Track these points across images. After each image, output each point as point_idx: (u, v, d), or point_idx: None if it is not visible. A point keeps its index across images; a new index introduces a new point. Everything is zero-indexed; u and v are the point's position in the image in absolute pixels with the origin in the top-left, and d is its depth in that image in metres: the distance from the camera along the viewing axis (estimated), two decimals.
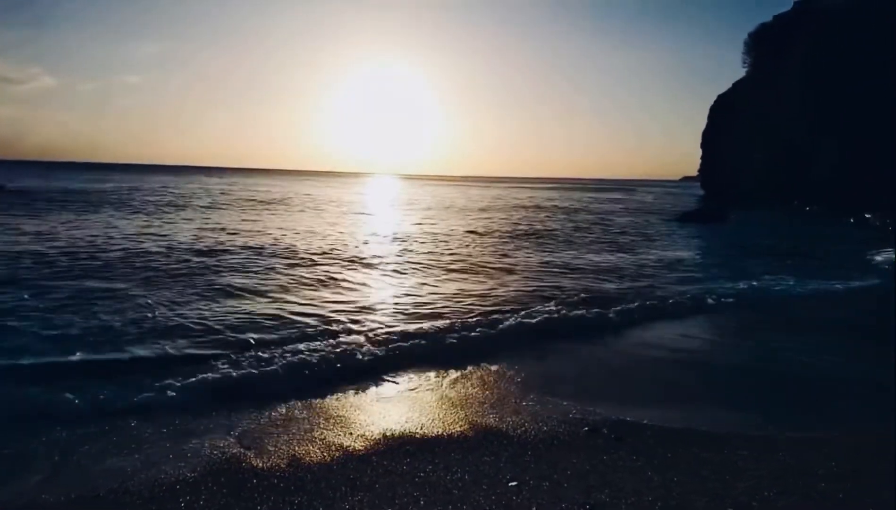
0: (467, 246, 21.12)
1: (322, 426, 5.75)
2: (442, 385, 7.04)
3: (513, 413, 6.09)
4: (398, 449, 5.23)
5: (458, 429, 5.71)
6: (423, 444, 5.34)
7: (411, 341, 8.37)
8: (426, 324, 9.39)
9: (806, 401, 6.71)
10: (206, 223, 25.03)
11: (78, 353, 7.39)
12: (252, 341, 8.21)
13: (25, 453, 5.05)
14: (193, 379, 6.56)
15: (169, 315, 9.44)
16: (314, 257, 16.44)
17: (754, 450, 5.17)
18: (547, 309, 10.63)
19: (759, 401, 6.72)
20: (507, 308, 10.73)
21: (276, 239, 20.67)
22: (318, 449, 5.23)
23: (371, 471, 4.76)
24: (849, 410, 6.43)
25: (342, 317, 9.82)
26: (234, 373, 6.81)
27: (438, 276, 14.20)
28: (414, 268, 15.28)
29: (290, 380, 6.80)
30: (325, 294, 11.61)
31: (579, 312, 10.54)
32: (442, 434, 5.59)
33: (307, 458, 5.03)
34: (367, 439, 5.46)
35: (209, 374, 6.72)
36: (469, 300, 11.54)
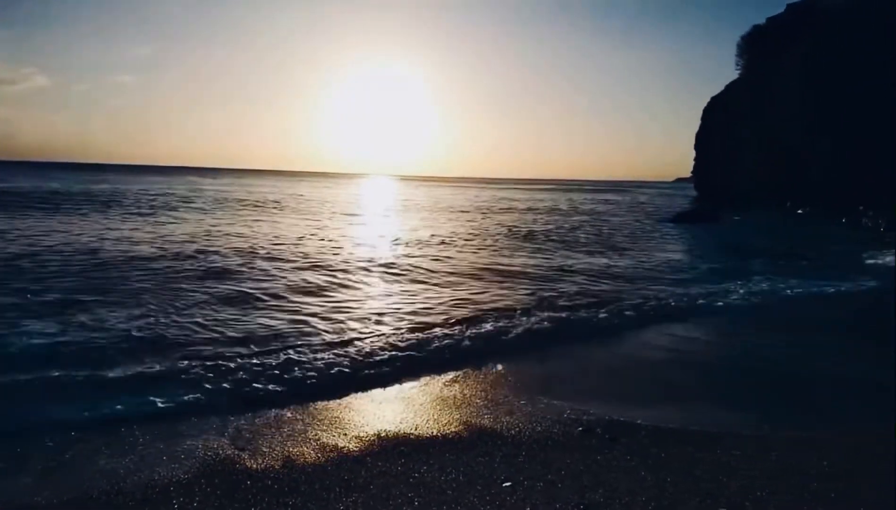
0: (462, 248, 21.11)
1: (316, 427, 5.74)
2: (436, 387, 7.04)
3: (507, 413, 6.10)
4: (393, 450, 5.23)
5: (453, 429, 5.71)
6: (417, 445, 5.34)
7: (406, 343, 8.35)
8: (421, 328, 9.37)
9: (800, 401, 6.74)
10: (199, 226, 24.76)
11: (68, 361, 7.24)
12: (245, 346, 8.12)
13: (16, 456, 5.02)
14: (186, 384, 6.52)
15: (159, 321, 9.26)
16: (307, 261, 16.27)
17: (748, 450, 5.20)
18: (541, 313, 10.61)
19: (753, 401, 6.75)
20: (503, 311, 10.69)
21: (267, 242, 20.48)
22: (313, 450, 5.22)
23: (365, 473, 4.76)
24: (842, 410, 6.46)
25: (338, 322, 9.72)
26: (228, 379, 6.75)
27: (433, 280, 14.14)
28: (408, 272, 15.21)
29: (283, 385, 6.72)
30: (319, 300, 11.45)
31: (573, 315, 10.56)
32: (437, 435, 5.59)
33: (301, 460, 5.02)
34: (361, 440, 5.46)
35: (202, 380, 6.66)
36: (464, 303, 11.49)
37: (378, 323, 9.79)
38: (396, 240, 23.33)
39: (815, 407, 6.58)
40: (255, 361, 7.42)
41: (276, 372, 7.04)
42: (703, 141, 65.80)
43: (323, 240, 22.33)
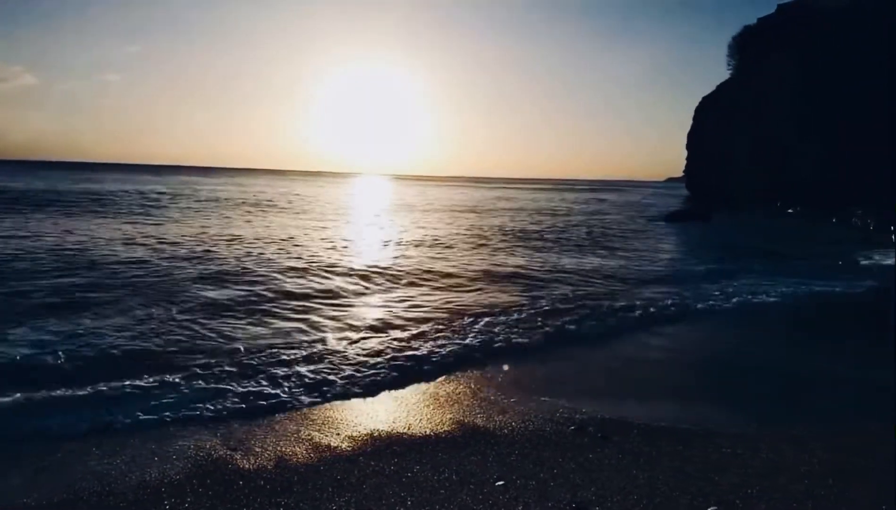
0: (456, 249, 21.08)
1: (309, 428, 5.73)
2: (429, 388, 7.04)
3: (500, 413, 6.11)
4: (385, 449, 5.23)
5: (446, 429, 5.72)
6: (410, 445, 5.34)
7: (399, 346, 8.34)
8: (414, 331, 9.31)
9: (790, 400, 6.79)
10: (190, 228, 24.43)
11: (59, 367, 7.17)
12: (239, 351, 8.01)
13: (5, 458, 4.98)
14: (178, 390, 6.46)
15: (151, 327, 9.07)
16: (301, 264, 16.01)
17: (739, 448, 5.24)
18: (533, 315, 10.63)
19: (744, 400, 6.78)
20: (494, 313, 10.61)
21: (261, 243, 20.24)
22: (305, 450, 5.21)
23: (358, 472, 4.76)
24: (833, 409, 6.51)
25: (330, 327, 9.57)
26: (221, 385, 6.66)
27: (426, 282, 14.00)
28: (401, 274, 15.07)
29: (277, 389, 6.66)
30: (314, 304, 11.19)
31: (565, 316, 10.58)
32: (429, 434, 5.59)
33: (294, 460, 5.01)
34: (354, 440, 5.45)
35: (193, 387, 6.60)
36: (457, 306, 11.36)
37: (371, 326, 9.68)
38: (389, 240, 23.29)
39: (806, 406, 6.62)
40: (247, 368, 7.27)
41: (272, 377, 6.97)
42: (695, 141, 66.14)
43: (314, 240, 22.26)
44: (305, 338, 8.82)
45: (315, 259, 16.91)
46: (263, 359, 7.67)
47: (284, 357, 7.78)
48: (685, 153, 69.11)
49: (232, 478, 4.64)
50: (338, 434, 5.59)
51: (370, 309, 11.14)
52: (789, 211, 44.00)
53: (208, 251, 17.53)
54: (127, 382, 6.63)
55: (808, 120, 46.97)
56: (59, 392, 6.29)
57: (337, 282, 13.55)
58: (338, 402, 6.46)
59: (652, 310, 11.24)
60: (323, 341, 8.69)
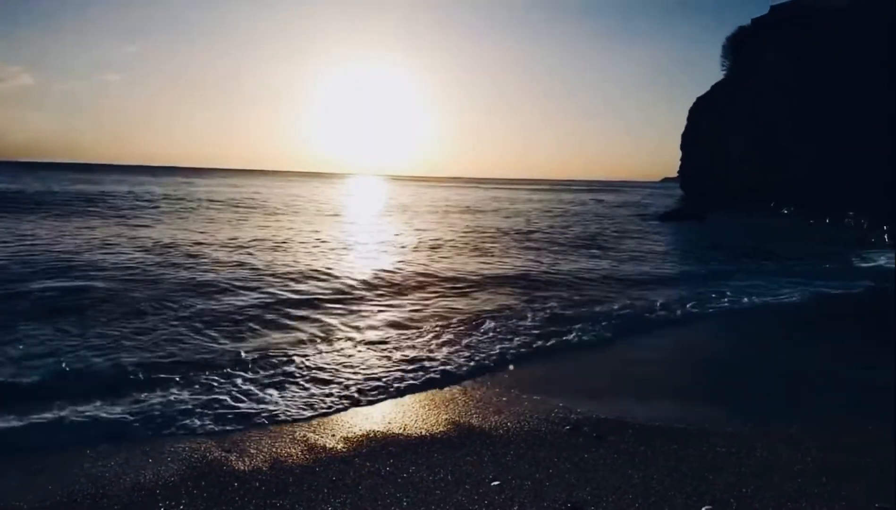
0: (453, 252, 21.01)
1: (304, 429, 5.73)
2: (425, 389, 7.04)
3: (495, 413, 6.11)
4: (381, 450, 5.23)
5: (441, 429, 5.72)
6: (406, 446, 5.34)
7: (398, 351, 8.31)
8: (409, 335, 9.26)
9: (787, 399, 6.81)
10: (184, 232, 23.99)
11: (52, 373, 7.11)
12: (231, 358, 7.89)
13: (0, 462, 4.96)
14: (172, 396, 6.41)
15: (145, 334, 8.89)
16: (296, 270, 15.34)
17: (733, 447, 5.26)
18: (529, 318, 10.63)
19: (739, 400, 6.80)
20: (489, 318, 10.48)
21: (254, 249, 19.58)
22: (301, 451, 5.21)
23: (354, 473, 4.75)
24: (829, 408, 6.53)
25: (329, 332, 9.44)
26: (212, 395, 6.54)
27: (423, 287, 13.78)
28: (400, 279, 14.77)
29: (273, 396, 6.56)
30: (308, 309, 10.99)
31: (561, 317, 10.62)
32: (425, 435, 5.59)
33: (289, 461, 5.01)
34: (349, 441, 5.45)
35: (185, 393, 6.53)
36: (453, 310, 11.24)
37: (369, 331, 9.57)
38: (385, 242, 23.23)
39: (802, 405, 6.65)
40: (242, 374, 7.18)
41: (268, 384, 6.88)
42: (689, 141, 66.36)
43: (310, 242, 22.15)
44: (301, 345, 8.67)
45: (311, 263, 16.71)
46: (258, 365, 7.57)
47: (282, 363, 7.69)
48: (680, 153, 69.32)
49: (227, 480, 4.63)
50: (333, 435, 5.58)
51: (368, 314, 10.93)
52: (783, 211, 44.18)
53: (202, 255, 17.34)
54: (121, 388, 6.58)
55: (802, 120, 47.19)
56: (50, 397, 6.22)
57: (334, 286, 13.34)
58: (332, 404, 6.44)
59: (647, 311, 11.27)
60: (319, 348, 8.52)
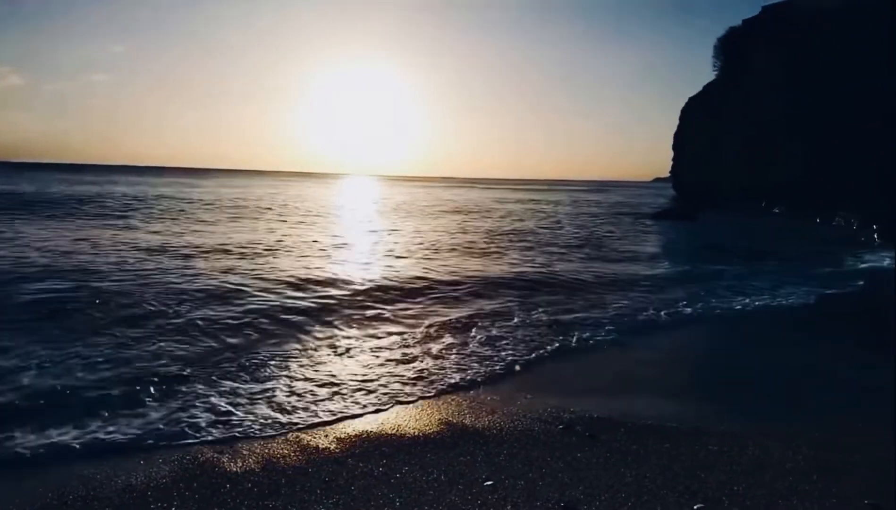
0: (447, 254, 20.96)
1: (297, 429, 5.71)
2: (420, 393, 7.03)
3: (488, 413, 6.12)
4: (374, 451, 5.22)
5: (434, 430, 5.71)
6: (399, 446, 5.34)
7: (396, 358, 8.29)
8: (411, 339, 9.17)
9: (780, 398, 6.86)
10: (176, 236, 23.59)
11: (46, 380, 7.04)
12: (222, 363, 7.75)
13: None
14: (163, 402, 6.33)
15: (137, 342, 8.59)
16: (289, 275, 14.71)
17: (725, 446, 5.28)
18: (522, 321, 10.64)
19: (731, 399, 6.85)
20: (483, 322, 10.40)
21: (245, 252, 19.13)
22: (293, 452, 5.19)
23: (346, 474, 4.74)
24: (821, 407, 6.58)
25: (325, 337, 9.24)
26: (204, 406, 6.32)
27: (420, 289, 13.49)
28: (396, 282, 14.48)
29: (271, 401, 6.46)
30: (302, 314, 10.71)
31: (555, 319, 10.62)
32: (418, 435, 5.59)
33: (282, 462, 4.99)
34: (342, 442, 5.43)
35: (178, 399, 6.44)
36: (448, 313, 11.22)
37: (366, 336, 9.44)
38: (379, 243, 23.12)
39: (795, 404, 6.70)
40: (230, 385, 6.98)
41: (264, 391, 6.79)
42: (681, 141, 66.67)
43: (304, 244, 22.04)
44: (296, 350, 8.49)
45: (305, 266, 16.39)
46: (252, 370, 7.45)
47: (276, 368, 7.58)
48: (672, 153, 69.63)
49: (219, 482, 4.61)
50: (325, 436, 5.57)
51: (363, 317, 10.67)
52: (774, 210, 44.45)
53: (194, 257, 17.18)
54: (112, 394, 6.47)
55: (793, 120, 47.48)
56: (39, 406, 6.12)
57: (328, 290, 12.85)
58: (328, 405, 6.42)
59: (641, 312, 11.29)
60: (312, 353, 8.39)
